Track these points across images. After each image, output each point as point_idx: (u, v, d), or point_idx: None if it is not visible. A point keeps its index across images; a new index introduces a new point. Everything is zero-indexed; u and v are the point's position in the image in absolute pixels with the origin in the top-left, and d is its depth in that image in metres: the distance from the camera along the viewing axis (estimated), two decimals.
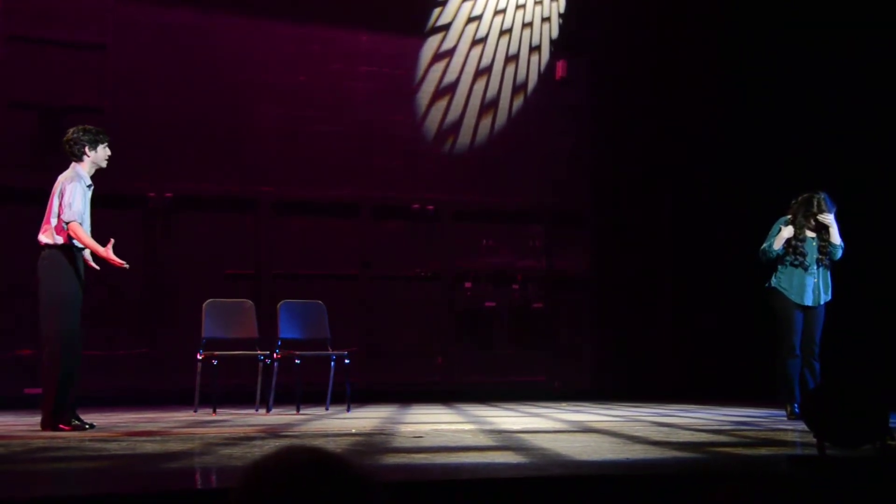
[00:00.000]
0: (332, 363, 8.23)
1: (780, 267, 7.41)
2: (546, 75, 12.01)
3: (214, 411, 7.95)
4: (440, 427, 6.21)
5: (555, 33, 12.09)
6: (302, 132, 11.00)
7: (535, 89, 11.98)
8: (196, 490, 3.30)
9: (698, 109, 11.89)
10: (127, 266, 6.09)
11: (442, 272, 11.55)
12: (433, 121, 11.61)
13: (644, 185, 11.98)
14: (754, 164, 11.32)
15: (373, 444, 4.94)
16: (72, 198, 5.90)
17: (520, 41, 12.00)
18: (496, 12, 11.90)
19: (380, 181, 11.25)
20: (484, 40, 11.86)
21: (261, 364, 8.12)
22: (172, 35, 10.56)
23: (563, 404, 9.58)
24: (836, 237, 7.32)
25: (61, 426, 5.80)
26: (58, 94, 10.09)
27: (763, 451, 4.55)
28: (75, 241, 5.97)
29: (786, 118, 11.02)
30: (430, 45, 11.66)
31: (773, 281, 7.43)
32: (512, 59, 11.96)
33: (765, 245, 7.42)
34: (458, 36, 11.74)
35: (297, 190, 11.03)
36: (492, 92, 11.85)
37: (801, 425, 5.36)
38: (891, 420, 4.00)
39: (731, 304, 11.30)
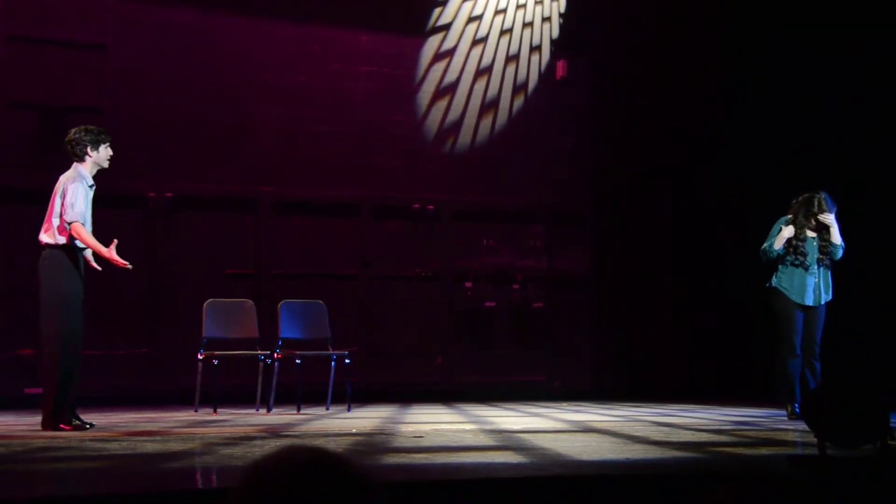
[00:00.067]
0: (333, 363, 8.23)
1: (780, 267, 7.41)
2: (546, 75, 12.01)
3: (215, 411, 7.95)
4: (440, 427, 6.21)
5: (555, 33, 12.09)
6: (302, 132, 11.00)
7: (536, 89, 11.98)
8: (196, 490, 3.30)
9: (698, 109, 11.89)
10: (130, 266, 6.10)
11: (442, 272, 11.55)
12: (433, 121, 11.61)
13: (644, 185, 11.98)
14: (754, 164, 11.31)
15: (373, 443, 4.94)
16: (74, 198, 5.90)
17: (520, 41, 12.00)
18: (496, 12, 11.90)
19: (380, 181, 11.25)
20: (484, 40, 11.86)
21: (261, 364, 8.13)
22: (172, 35, 10.56)
23: (564, 404, 9.58)
24: (836, 237, 7.32)
25: (62, 426, 5.80)
26: (58, 93, 10.09)
27: (763, 450, 4.55)
28: (77, 242, 5.97)
29: (786, 118, 11.02)
30: (431, 44, 11.66)
31: (774, 281, 7.43)
32: (512, 58, 11.96)
33: (765, 245, 7.42)
34: (459, 36, 11.74)
35: (298, 190, 11.03)
36: (492, 92, 11.85)
37: (802, 425, 5.36)
38: (891, 420, 4.00)
39: (731, 304, 11.30)
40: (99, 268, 6.23)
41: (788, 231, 7.35)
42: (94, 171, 6.14)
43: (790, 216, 7.42)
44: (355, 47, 11.33)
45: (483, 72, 11.82)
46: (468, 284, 11.71)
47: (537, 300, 12.03)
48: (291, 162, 10.93)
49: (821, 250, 7.35)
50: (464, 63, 11.76)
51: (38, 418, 5.95)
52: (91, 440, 5.17)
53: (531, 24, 12.04)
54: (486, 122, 11.80)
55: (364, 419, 7.08)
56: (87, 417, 6.13)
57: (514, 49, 11.98)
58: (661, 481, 3.43)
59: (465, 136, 11.72)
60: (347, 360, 8.18)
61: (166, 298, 10.37)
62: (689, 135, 11.88)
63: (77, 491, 3.21)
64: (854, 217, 7.86)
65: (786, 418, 7.01)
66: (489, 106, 11.83)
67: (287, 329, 8.36)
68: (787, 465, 3.99)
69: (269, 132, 10.89)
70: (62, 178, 6.05)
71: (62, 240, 5.94)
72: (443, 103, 11.64)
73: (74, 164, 6.10)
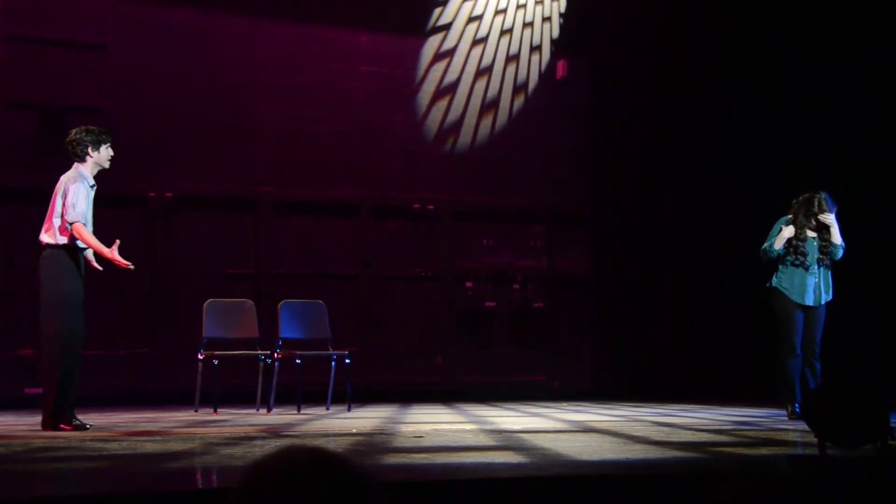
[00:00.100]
0: (333, 363, 8.23)
1: (780, 267, 7.41)
2: (547, 75, 12.02)
3: (215, 411, 7.95)
4: (441, 427, 6.21)
5: (555, 33, 12.09)
6: (302, 132, 11.00)
7: (536, 89, 11.98)
8: (197, 490, 3.30)
9: (698, 109, 11.89)
10: (132, 267, 6.10)
11: (442, 272, 11.55)
12: (434, 121, 11.61)
13: (644, 185, 11.98)
14: (754, 164, 11.31)
15: (373, 443, 4.94)
16: (75, 198, 5.91)
17: (520, 41, 12.00)
18: (497, 12, 11.90)
19: (380, 181, 11.25)
20: (484, 40, 11.86)
21: (261, 364, 8.13)
22: (172, 35, 10.56)
23: (564, 404, 9.58)
24: (836, 237, 7.32)
25: (62, 426, 5.80)
26: (58, 94, 10.09)
27: (764, 450, 4.55)
28: (78, 242, 5.97)
29: (786, 118, 11.02)
30: (431, 44, 11.65)
31: (774, 281, 7.43)
32: (512, 58, 11.96)
33: (765, 245, 7.42)
34: (459, 36, 11.74)
35: (298, 190, 11.03)
36: (492, 92, 11.85)
37: (802, 425, 5.36)
38: (891, 420, 4.00)
39: (731, 304, 11.30)
40: (100, 268, 6.23)
41: (789, 231, 7.35)
42: (95, 172, 6.14)
43: (790, 216, 7.43)
44: (355, 47, 11.33)
45: (483, 72, 11.82)
46: (468, 284, 11.71)
47: (537, 300, 12.03)
48: (291, 162, 10.93)
49: (821, 250, 7.36)
50: (464, 63, 11.76)
51: (39, 418, 5.96)
52: (91, 440, 5.17)
53: (531, 24, 12.04)
54: (487, 122, 11.80)
55: (364, 419, 7.08)
56: (87, 417, 6.13)
57: (514, 49, 11.98)
58: (661, 481, 3.43)
59: (465, 136, 11.72)
60: (347, 360, 8.18)
61: (166, 298, 10.37)
62: (689, 135, 11.88)
63: (77, 491, 3.21)
64: (854, 217, 7.86)
65: (786, 418, 7.01)
66: (489, 106, 11.83)
67: (287, 329, 8.36)
68: (787, 465, 3.98)
69: (270, 132, 10.89)
70: (63, 178, 6.05)
71: (63, 240, 5.94)
72: (443, 103, 11.64)
73: (75, 165, 6.10)
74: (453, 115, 11.67)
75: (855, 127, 10.33)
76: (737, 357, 11.00)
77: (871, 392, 3.98)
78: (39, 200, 6.60)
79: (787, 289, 7.35)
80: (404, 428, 6.05)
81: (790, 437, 5.41)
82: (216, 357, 8.02)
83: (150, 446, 4.76)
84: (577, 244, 12.11)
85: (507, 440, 5.03)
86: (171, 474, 3.78)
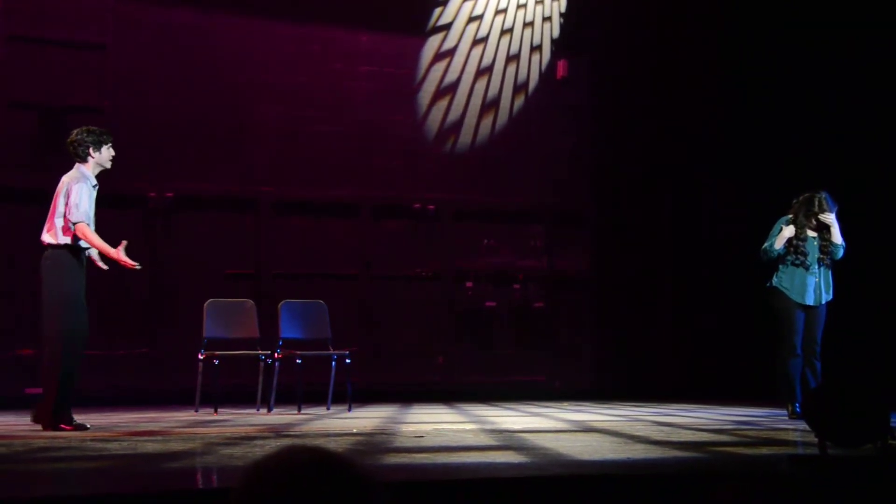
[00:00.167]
0: (333, 363, 8.23)
1: (781, 266, 7.41)
2: (547, 75, 12.02)
3: (216, 411, 7.95)
4: (441, 427, 6.21)
5: (556, 33, 12.09)
6: (302, 132, 11.00)
7: (536, 89, 11.98)
8: (197, 490, 3.30)
9: (698, 109, 11.89)
10: (138, 267, 6.11)
11: (442, 272, 11.54)
12: (434, 121, 11.61)
13: (644, 185, 11.98)
14: (754, 164, 11.31)
15: (374, 443, 4.94)
16: (78, 198, 5.91)
17: (521, 41, 12.00)
18: (497, 12, 11.89)
19: (380, 181, 11.25)
20: (485, 40, 11.86)
21: (262, 364, 8.13)
22: (172, 35, 10.56)
23: (564, 404, 9.58)
24: (837, 237, 7.32)
25: (62, 426, 5.80)
26: (58, 94, 10.09)
27: (764, 450, 4.54)
28: (81, 242, 5.97)
29: (786, 118, 11.01)
30: (431, 44, 11.66)
31: (775, 280, 7.43)
32: (513, 58, 11.96)
33: (766, 245, 7.42)
34: (459, 36, 11.74)
35: (298, 190, 11.03)
36: (493, 92, 11.85)
37: (803, 425, 5.36)
38: (892, 419, 4.00)
39: (731, 304, 11.30)
40: (105, 267, 6.24)
41: (789, 231, 7.36)
42: (97, 172, 6.15)
43: (791, 216, 7.43)
44: (356, 47, 11.33)
45: (483, 72, 11.82)
46: (469, 284, 11.71)
47: (538, 300, 12.03)
48: (292, 162, 10.93)
49: (821, 250, 7.36)
50: (464, 63, 11.76)
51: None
52: (91, 440, 5.17)
53: (532, 23, 12.04)
54: (487, 122, 11.80)
55: (365, 419, 7.08)
56: (87, 417, 6.13)
57: (514, 49, 11.98)
58: (661, 481, 3.43)
59: (465, 136, 11.72)
60: (348, 360, 8.19)
61: (167, 298, 10.36)
62: (689, 135, 11.88)
63: (78, 491, 3.21)
64: (854, 217, 7.86)
65: (786, 418, 7.01)
66: (489, 106, 11.83)
67: (287, 329, 8.36)
68: (787, 465, 3.99)
69: (270, 132, 10.89)
70: (65, 178, 6.05)
71: (65, 240, 5.94)
72: (443, 103, 11.64)
73: (77, 165, 6.10)
74: (454, 114, 11.68)
75: (855, 127, 10.33)
76: (737, 357, 11.00)
77: (872, 391, 3.98)
78: (39, 200, 6.60)
79: (787, 288, 7.35)
80: (405, 428, 6.05)
81: (791, 436, 5.41)
82: (217, 357, 8.02)
83: (150, 446, 4.76)
84: (577, 244, 12.10)
85: (508, 440, 5.03)
86: (171, 474, 3.78)
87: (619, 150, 11.93)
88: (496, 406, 9.24)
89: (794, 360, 7.25)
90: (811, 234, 7.38)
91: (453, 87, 11.70)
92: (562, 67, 12.00)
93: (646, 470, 3.76)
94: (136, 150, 9.52)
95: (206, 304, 8.27)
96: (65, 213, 5.93)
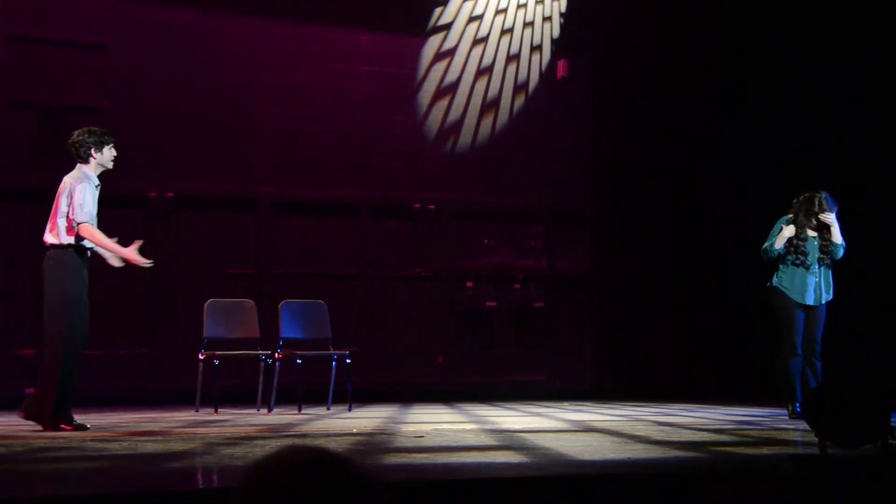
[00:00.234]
0: (334, 363, 8.22)
1: (781, 266, 7.41)
2: (547, 75, 12.02)
3: (216, 411, 7.95)
4: (441, 427, 6.21)
5: (556, 33, 12.09)
6: (302, 132, 11.00)
7: (537, 89, 11.98)
8: (197, 490, 3.30)
9: (698, 109, 11.89)
10: (150, 264, 6.14)
11: (443, 272, 11.54)
12: (434, 120, 11.61)
13: (644, 185, 11.99)
14: (754, 164, 11.31)
15: (374, 443, 4.94)
16: (82, 198, 5.91)
17: (521, 41, 12.00)
18: (497, 12, 11.90)
19: (380, 181, 11.25)
20: (485, 40, 11.86)
21: (262, 364, 8.13)
22: (172, 35, 10.56)
23: (564, 404, 9.58)
24: (837, 236, 7.32)
25: (62, 426, 5.80)
26: (58, 94, 10.10)
27: (765, 450, 4.54)
28: (85, 242, 5.97)
29: (786, 118, 11.02)
30: (432, 44, 11.66)
31: (775, 280, 7.43)
32: (513, 58, 11.96)
33: (766, 244, 7.42)
34: (460, 35, 11.74)
35: (298, 190, 11.03)
36: (493, 92, 11.85)
37: (803, 424, 5.36)
38: (892, 419, 4.00)
39: (731, 304, 11.30)
40: (119, 264, 6.26)
41: (789, 230, 7.36)
42: (99, 172, 6.15)
43: (791, 216, 7.43)
44: (356, 47, 11.33)
45: (484, 71, 11.83)
46: (469, 284, 11.70)
47: (538, 300, 12.03)
48: (292, 162, 10.93)
49: (822, 250, 7.36)
50: (464, 63, 11.76)
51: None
52: (92, 440, 5.16)
53: (532, 23, 12.05)
54: (487, 122, 11.80)
55: (365, 419, 7.08)
56: (87, 417, 6.13)
57: (514, 49, 11.98)
58: (662, 481, 3.43)
59: (465, 136, 11.72)
60: (348, 360, 8.19)
61: (167, 298, 10.36)
62: (689, 135, 11.89)
63: (78, 491, 3.21)
64: (854, 216, 7.86)
65: (787, 418, 7.01)
66: (490, 106, 11.83)
67: (288, 329, 8.36)
68: (788, 465, 3.98)
69: (270, 132, 10.89)
70: (67, 178, 6.05)
71: (68, 240, 5.94)
72: (443, 103, 11.64)
73: (78, 165, 6.10)
74: (454, 114, 11.68)
75: (855, 127, 10.33)
76: (737, 357, 11.00)
77: (872, 391, 3.98)
78: (40, 200, 6.60)
79: (787, 288, 7.35)
80: (405, 428, 6.05)
81: (791, 436, 5.41)
82: (217, 357, 8.02)
83: (150, 446, 4.76)
84: (577, 244, 12.11)
85: (508, 440, 5.03)
86: (171, 474, 3.78)
87: (619, 150, 11.93)
88: (496, 406, 9.24)
89: (794, 360, 7.25)
90: (811, 233, 7.38)
91: (453, 86, 11.70)
92: (562, 67, 12.00)
93: (646, 470, 3.76)
94: (136, 150, 9.51)
95: (206, 304, 8.27)
96: (68, 213, 5.93)
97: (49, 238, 5.98)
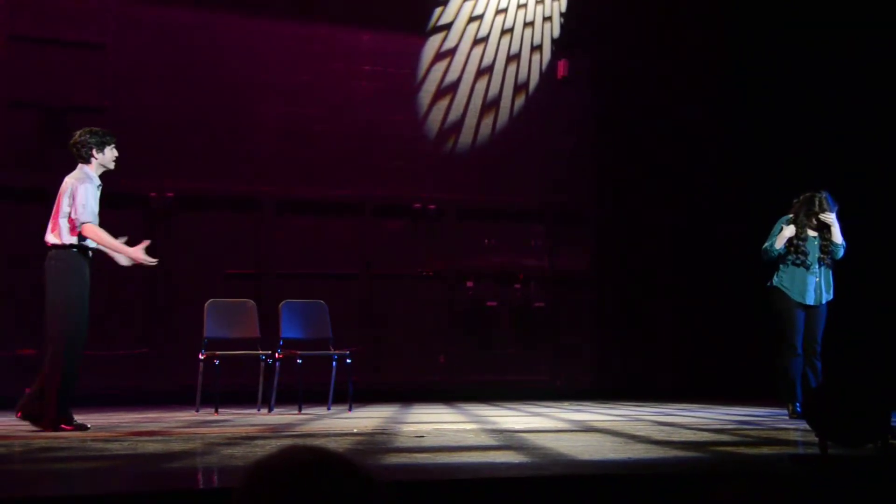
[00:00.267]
0: (334, 363, 8.23)
1: (781, 266, 7.41)
2: (547, 75, 12.02)
3: (216, 411, 7.95)
4: (442, 426, 6.21)
5: (556, 33, 12.10)
6: (303, 131, 11.00)
7: (537, 89, 11.98)
8: (198, 490, 3.30)
9: (698, 109, 11.89)
10: (155, 262, 6.16)
11: (444, 271, 11.55)
12: (435, 120, 11.62)
13: (644, 184, 11.98)
14: (754, 164, 11.31)
15: (374, 443, 4.94)
16: (85, 198, 5.92)
17: (521, 40, 12.00)
18: (497, 12, 11.90)
19: (381, 180, 11.25)
20: (485, 40, 11.86)
21: (262, 364, 8.13)
22: (173, 34, 10.57)
23: (565, 403, 9.58)
24: (837, 236, 7.32)
25: (63, 426, 5.80)
26: (59, 93, 10.10)
27: (765, 450, 4.54)
28: (88, 242, 5.98)
29: (786, 118, 11.02)
30: (432, 44, 11.66)
31: (775, 280, 7.43)
32: (513, 58, 11.96)
33: (766, 244, 7.42)
34: (460, 35, 11.75)
35: (299, 189, 11.03)
36: (493, 91, 11.86)
37: (803, 424, 5.36)
38: (893, 419, 4.00)
39: (731, 304, 11.30)
40: (126, 264, 6.27)
41: (789, 230, 7.35)
42: (100, 173, 6.16)
43: (791, 215, 7.43)
44: (357, 47, 11.33)
45: (484, 71, 11.83)
46: (470, 284, 11.71)
47: (539, 299, 12.03)
48: (293, 161, 10.93)
49: (822, 249, 7.35)
50: (465, 62, 11.76)
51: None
52: (92, 440, 5.17)
53: (532, 23, 12.05)
54: (488, 122, 11.81)
55: (365, 419, 7.07)
56: (87, 417, 6.13)
57: (515, 48, 11.98)
58: (662, 481, 3.43)
59: (466, 136, 11.72)
60: (349, 360, 8.19)
61: (167, 298, 10.37)
62: (689, 135, 11.89)
63: (78, 491, 3.21)
64: (855, 216, 7.86)
65: (787, 417, 7.01)
66: (490, 105, 11.83)
67: (288, 329, 8.36)
68: (788, 465, 3.98)
69: (271, 131, 10.89)
70: (68, 178, 6.05)
71: (70, 240, 5.94)
72: (444, 103, 11.65)
73: (80, 165, 6.10)
74: (454, 114, 11.68)
75: (855, 127, 10.32)
76: (737, 357, 11.00)
77: (872, 391, 3.98)
78: (40, 200, 6.61)
79: (787, 288, 7.35)
80: (405, 428, 6.05)
81: (791, 436, 5.40)
82: (217, 357, 8.02)
83: (151, 446, 4.76)
84: (578, 243, 12.11)
85: (509, 440, 5.03)
86: (172, 474, 3.78)
87: (619, 150, 11.93)
88: (497, 406, 9.24)
89: (794, 360, 7.25)
90: (812, 233, 7.38)
91: (454, 86, 11.70)
92: (562, 67, 12.01)
93: (646, 470, 3.76)
94: (136, 150, 9.50)
95: (206, 304, 8.27)
96: (70, 213, 5.93)
97: (51, 238, 5.98)
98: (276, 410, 8.02)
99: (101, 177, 6.18)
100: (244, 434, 5.59)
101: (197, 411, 7.88)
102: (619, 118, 11.93)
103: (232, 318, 8.40)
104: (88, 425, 5.94)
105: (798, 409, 6.92)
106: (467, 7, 11.77)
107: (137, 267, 6.31)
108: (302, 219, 11.13)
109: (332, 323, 8.54)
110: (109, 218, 6.22)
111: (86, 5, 10.38)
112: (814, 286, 7.33)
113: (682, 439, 5.11)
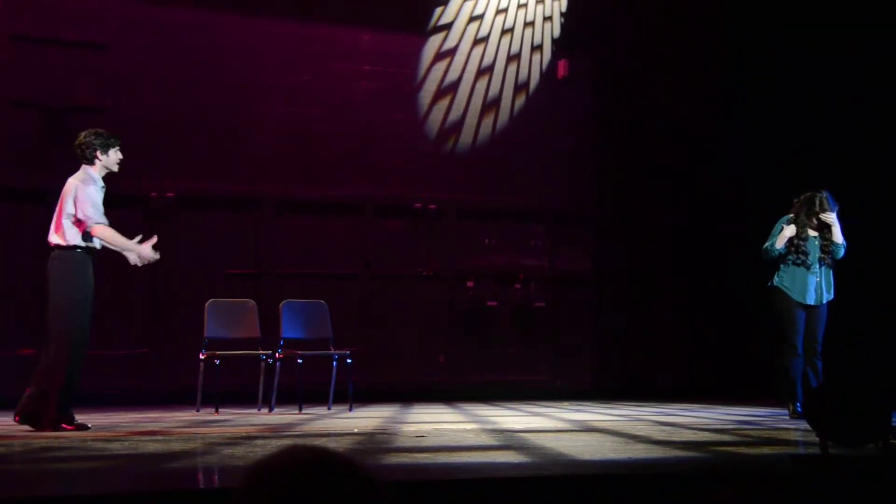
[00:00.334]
0: (335, 363, 8.23)
1: (782, 266, 7.41)
2: (548, 75, 12.02)
3: (217, 411, 7.95)
4: (442, 426, 6.21)
5: (556, 32, 12.10)
6: (304, 131, 11.01)
7: (537, 89, 11.98)
8: (198, 490, 3.30)
9: (698, 109, 11.89)
10: (157, 256, 6.17)
11: (444, 271, 11.55)
12: (435, 120, 11.62)
13: (644, 184, 11.99)
14: (754, 164, 11.31)
15: (375, 443, 4.94)
16: (91, 200, 5.92)
17: (521, 40, 12.00)
18: (498, 11, 11.90)
19: (382, 180, 11.25)
20: (486, 40, 11.86)
21: (263, 364, 8.13)
22: (173, 34, 10.57)
23: (565, 403, 9.58)
24: (838, 236, 7.32)
25: (64, 425, 5.80)
26: (59, 93, 10.10)
27: (766, 450, 4.54)
28: (94, 241, 5.98)
29: (786, 118, 11.01)
30: (432, 44, 11.66)
31: (776, 280, 7.43)
32: (514, 58, 11.96)
33: (767, 244, 7.42)
34: (460, 35, 11.75)
35: (299, 189, 11.03)
36: (493, 91, 11.86)
37: (804, 424, 5.36)
38: (893, 419, 4.00)
39: (731, 304, 11.30)
40: (137, 262, 6.28)
41: (790, 230, 7.35)
42: (104, 174, 6.16)
43: (791, 215, 7.43)
44: (357, 46, 11.33)
45: (484, 71, 11.83)
46: (470, 284, 11.71)
47: (539, 299, 12.03)
48: (293, 161, 10.93)
49: (822, 249, 7.35)
50: (465, 62, 11.76)
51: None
52: (93, 440, 5.17)
53: (532, 23, 12.05)
54: (488, 122, 11.81)
55: (366, 419, 7.08)
56: (87, 417, 6.13)
57: (515, 48, 11.98)
58: (663, 481, 3.43)
59: (466, 136, 11.72)
60: (349, 360, 8.19)
61: (168, 298, 10.37)
62: (689, 135, 11.88)
63: (78, 491, 3.21)
64: (855, 216, 7.86)
65: (787, 417, 7.01)
66: (490, 105, 11.83)
67: (289, 329, 8.36)
68: (789, 465, 3.98)
69: (271, 132, 10.89)
70: (71, 179, 6.05)
71: (73, 241, 5.95)
72: (444, 103, 11.65)
73: (84, 166, 6.10)
74: (455, 114, 11.68)
75: (855, 127, 10.32)
76: (737, 357, 11.00)
77: (873, 391, 3.98)
78: (41, 200, 6.61)
79: (788, 288, 7.35)
80: (406, 427, 6.05)
81: (792, 436, 5.40)
82: (218, 357, 8.02)
83: (151, 446, 4.76)
84: (578, 243, 12.11)
85: (509, 440, 5.03)
86: (172, 474, 3.78)
87: (619, 150, 11.93)
88: (497, 406, 9.24)
89: (795, 360, 7.25)
90: (812, 233, 7.38)
91: (454, 86, 11.70)
92: (562, 67, 12.01)
93: (647, 470, 3.76)
94: (137, 150, 9.45)
95: (207, 304, 8.27)
96: (75, 214, 5.93)
97: (54, 239, 5.98)
98: (276, 410, 8.02)
99: (103, 177, 6.19)
100: (244, 434, 5.59)
101: (197, 411, 7.89)
102: (619, 118, 11.93)
103: (232, 318, 8.40)
104: (89, 425, 5.95)
105: (798, 408, 6.92)
106: (467, 7, 11.77)
107: (136, 267, 6.31)
108: (302, 219, 11.13)
109: (332, 323, 8.54)
110: (110, 218, 6.22)
111: (86, 5, 10.38)
112: (814, 286, 7.33)
113: (683, 439, 5.10)
